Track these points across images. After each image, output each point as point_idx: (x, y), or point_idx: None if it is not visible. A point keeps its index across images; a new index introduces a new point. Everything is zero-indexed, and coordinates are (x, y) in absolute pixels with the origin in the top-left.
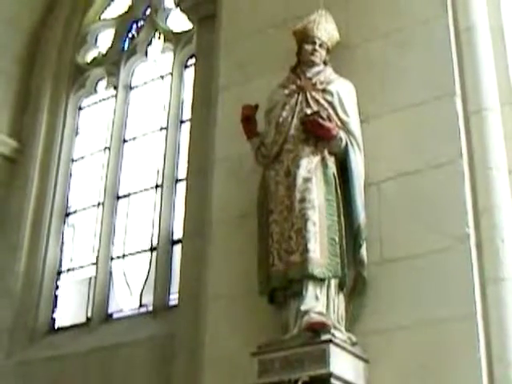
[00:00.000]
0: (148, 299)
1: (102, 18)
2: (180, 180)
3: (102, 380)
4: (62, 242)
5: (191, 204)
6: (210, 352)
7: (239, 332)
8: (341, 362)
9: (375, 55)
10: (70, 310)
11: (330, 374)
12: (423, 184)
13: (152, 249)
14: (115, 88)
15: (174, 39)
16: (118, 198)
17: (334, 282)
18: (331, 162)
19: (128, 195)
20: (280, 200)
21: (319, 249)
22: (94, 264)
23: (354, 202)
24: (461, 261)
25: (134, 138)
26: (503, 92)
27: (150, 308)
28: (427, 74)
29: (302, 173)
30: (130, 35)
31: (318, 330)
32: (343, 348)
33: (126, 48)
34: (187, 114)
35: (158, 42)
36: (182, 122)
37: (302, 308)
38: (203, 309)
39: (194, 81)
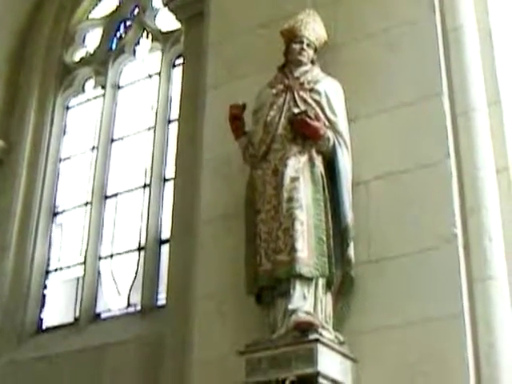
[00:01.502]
0: (136, 299)
1: (89, 17)
2: (168, 179)
3: (91, 380)
4: (50, 242)
5: (179, 203)
6: (198, 351)
7: (227, 331)
8: (328, 362)
9: (363, 55)
10: (57, 309)
11: (318, 373)
12: (411, 184)
13: (140, 248)
14: (103, 87)
15: (162, 39)
16: (106, 197)
17: (321, 282)
18: (319, 161)
19: (116, 195)
20: (267, 199)
21: (307, 248)
22: (81, 264)
23: (342, 202)
24: (448, 260)
25: (122, 138)
26: (490, 92)
27: (138, 308)
28: (415, 74)
29: (289, 172)
30: (117, 35)
31: (305, 329)
32: (331, 347)
33: (113, 47)
34: (175, 113)
35: (145, 42)
36: (169, 121)
37: (290, 307)
38: (191, 308)
39: (182, 80)
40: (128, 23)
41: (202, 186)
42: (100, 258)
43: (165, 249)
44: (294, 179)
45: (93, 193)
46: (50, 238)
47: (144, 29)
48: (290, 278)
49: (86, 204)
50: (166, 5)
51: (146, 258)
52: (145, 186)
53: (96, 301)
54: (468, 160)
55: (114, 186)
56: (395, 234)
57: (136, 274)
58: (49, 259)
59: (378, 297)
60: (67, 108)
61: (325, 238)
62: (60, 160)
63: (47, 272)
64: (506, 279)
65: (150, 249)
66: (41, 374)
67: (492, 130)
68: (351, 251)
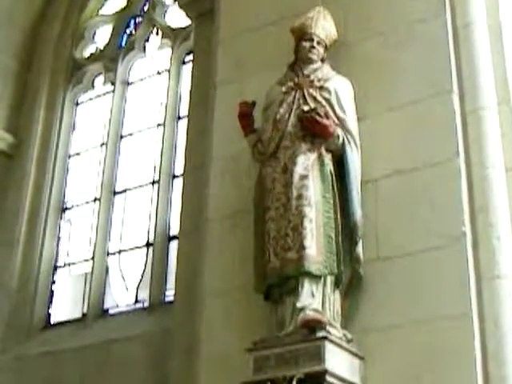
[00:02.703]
0: (144, 295)
1: (100, 13)
2: (177, 176)
3: (98, 376)
4: (59, 238)
5: (188, 200)
6: (206, 348)
7: (235, 328)
8: (336, 359)
9: (373, 53)
10: (65, 305)
11: (325, 371)
12: (420, 182)
13: (148, 245)
14: (112, 84)
15: (172, 35)
16: (115, 193)
17: (329, 279)
18: (328, 159)
19: (125, 191)
20: (277, 197)
21: (315, 246)
22: (90, 259)
23: (351, 200)
24: (457, 259)
25: (131, 134)
26: (500, 90)
27: (146, 304)
28: (425, 73)
29: (298, 170)
30: (127, 31)
31: (313, 326)
32: (338, 345)
33: (123, 44)
34: (184, 110)
35: (155, 38)
36: (179, 118)
37: (298, 305)
38: (199, 305)
39: (192, 77)
40: (138, 20)
41: (211, 182)
42: (108, 254)
43: (173, 245)
44: (304, 177)
45: (101, 189)
46: (59, 233)
47: (154, 25)
48: (299, 276)
49: (95, 200)
50: (175, 1)
51: (155, 254)
52: (153, 182)
53: (104, 296)
54: (477, 159)
55: (123, 182)
56: (404, 232)
57: (144, 270)
58: (57, 255)
59: (386, 295)
60: (77, 104)
61: (333, 236)
62: (69, 156)
63: (55, 267)
64: None
65: (158, 245)
66: (48, 369)
67: (501, 129)
68: (360, 249)
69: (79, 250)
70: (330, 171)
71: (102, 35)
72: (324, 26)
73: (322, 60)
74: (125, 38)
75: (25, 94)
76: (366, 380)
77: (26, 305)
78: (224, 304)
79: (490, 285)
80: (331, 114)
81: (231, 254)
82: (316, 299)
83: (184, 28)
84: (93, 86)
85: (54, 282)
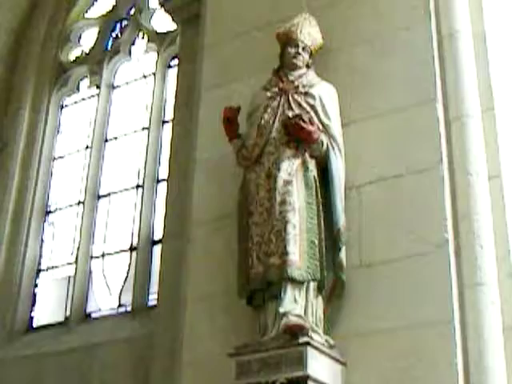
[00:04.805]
0: (127, 299)
1: (85, 16)
2: (161, 180)
3: (80, 380)
4: (42, 241)
5: (172, 204)
6: (189, 352)
7: (218, 333)
8: (318, 365)
9: (358, 60)
10: (48, 308)
11: (307, 377)
12: (403, 189)
13: (132, 249)
14: (98, 87)
15: (158, 39)
16: (99, 197)
17: (312, 285)
18: (312, 165)
19: (109, 194)
20: (260, 202)
21: (298, 251)
22: (73, 263)
23: (334, 206)
24: (439, 266)
25: (116, 138)
26: (484, 98)
27: (129, 308)
28: (409, 80)
29: (282, 175)
30: (113, 34)
31: (295, 332)
32: (321, 351)
33: (109, 47)
34: (169, 114)
35: (141, 42)
36: (164, 122)
37: (281, 310)
38: (182, 309)
39: (177, 81)
40: (124, 23)
41: (195, 187)
42: (92, 258)
43: (157, 249)
44: (287, 182)
45: (85, 192)
46: (42, 236)
47: (140, 29)
48: (282, 281)
49: (79, 203)
50: (162, 6)
51: (138, 258)
52: (138, 186)
53: (87, 300)
54: (460, 166)
55: (107, 185)
56: (387, 239)
57: (127, 274)
58: (40, 258)
59: (369, 301)
60: (61, 107)
61: (317, 242)
62: (53, 159)
63: (38, 270)
64: (496, 286)
65: (141, 249)
66: (30, 372)
67: (485, 137)
68: (343, 255)
69: (62, 253)
70: (314, 177)
71: (88, 38)
72: (309, 33)
73: (307, 66)
74: (110, 42)
75: (10, 97)
76: None
77: (8, 308)
78: (207, 308)
79: (473, 292)
80: (316, 120)
81: (214, 259)
82: (299, 305)
83: (170, 32)
84: (78, 89)
85: (36, 285)
